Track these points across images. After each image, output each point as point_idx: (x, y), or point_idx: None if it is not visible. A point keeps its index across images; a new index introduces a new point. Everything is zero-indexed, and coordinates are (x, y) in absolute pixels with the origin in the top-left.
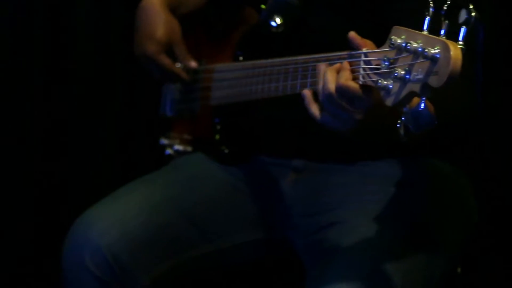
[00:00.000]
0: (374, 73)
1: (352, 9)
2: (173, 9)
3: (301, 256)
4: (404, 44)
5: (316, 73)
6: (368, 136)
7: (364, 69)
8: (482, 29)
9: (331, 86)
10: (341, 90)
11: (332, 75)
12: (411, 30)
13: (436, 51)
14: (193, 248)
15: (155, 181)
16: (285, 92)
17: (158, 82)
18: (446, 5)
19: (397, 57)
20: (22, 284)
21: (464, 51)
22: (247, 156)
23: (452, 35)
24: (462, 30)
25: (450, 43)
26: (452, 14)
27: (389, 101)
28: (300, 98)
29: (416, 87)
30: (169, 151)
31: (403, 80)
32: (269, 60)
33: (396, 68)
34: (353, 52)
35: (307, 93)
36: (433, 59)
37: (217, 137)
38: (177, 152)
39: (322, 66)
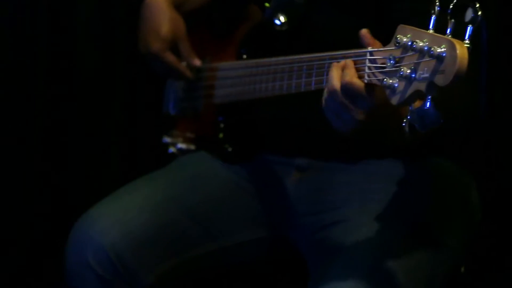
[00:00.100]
0: (380, 72)
1: (357, 7)
2: (177, 6)
3: (304, 255)
4: (409, 43)
5: (322, 71)
6: (372, 137)
7: (369, 68)
8: (486, 28)
9: (336, 83)
10: (346, 88)
11: (337, 72)
12: (417, 28)
13: (442, 49)
14: (196, 247)
15: (158, 179)
16: (290, 90)
17: (162, 78)
18: (452, 4)
19: (402, 55)
20: (22, 284)
21: (470, 50)
22: (250, 155)
23: (458, 34)
24: (469, 29)
25: (456, 42)
26: (458, 13)
27: (394, 100)
28: (304, 96)
29: (422, 86)
30: (172, 149)
31: (408, 79)
32: (273, 59)
33: (401, 67)
34: (358, 51)
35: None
36: (439, 57)
37: (221, 135)
38: (180, 150)
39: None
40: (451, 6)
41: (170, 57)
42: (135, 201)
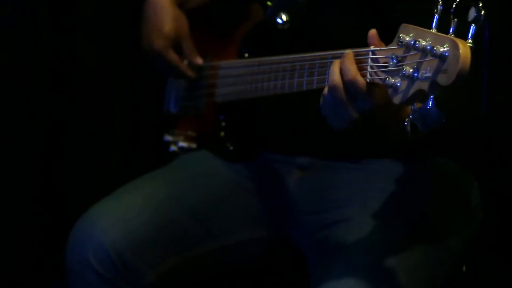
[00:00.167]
0: (382, 71)
1: (359, 6)
2: (180, 4)
3: (305, 254)
4: (412, 42)
5: (324, 70)
6: (373, 136)
7: (371, 67)
8: (488, 27)
9: (337, 78)
10: (348, 84)
11: (339, 68)
12: (419, 28)
13: (445, 49)
14: (197, 245)
15: (159, 178)
16: (291, 89)
17: (163, 77)
18: (455, 4)
19: (405, 55)
20: (22, 284)
21: (473, 50)
22: (252, 154)
23: (461, 34)
24: (471, 28)
25: (459, 41)
26: (461, 12)
27: (396, 99)
28: (305, 95)
29: (425, 85)
30: (173, 148)
31: (411, 78)
32: (275, 57)
33: (404, 66)
34: (360, 50)
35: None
36: (441, 57)
37: (222, 134)
38: (182, 149)
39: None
40: (454, 6)
41: (173, 55)
42: (135, 200)
